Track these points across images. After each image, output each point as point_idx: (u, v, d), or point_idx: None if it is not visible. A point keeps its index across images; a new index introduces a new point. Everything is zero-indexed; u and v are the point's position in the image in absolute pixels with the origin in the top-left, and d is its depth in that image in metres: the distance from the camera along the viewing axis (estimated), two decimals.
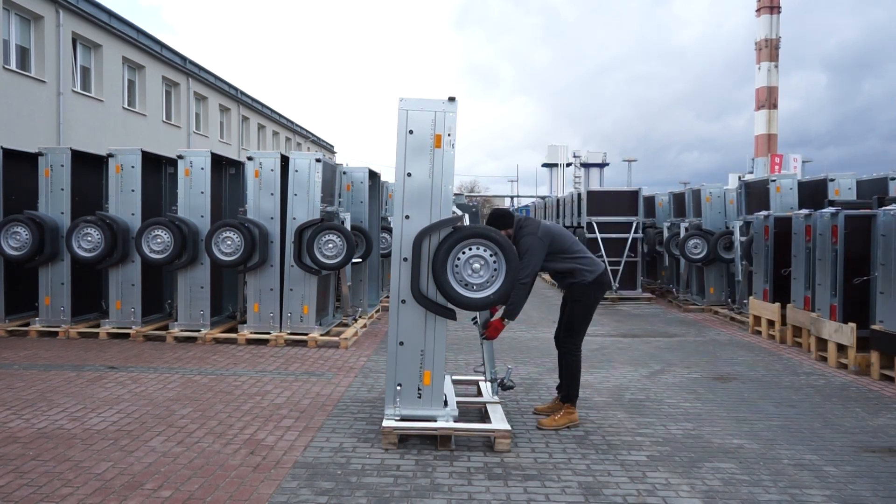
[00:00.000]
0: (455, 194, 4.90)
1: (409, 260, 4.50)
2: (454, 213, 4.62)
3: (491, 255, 4.54)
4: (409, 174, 4.54)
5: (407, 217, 4.54)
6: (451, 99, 4.57)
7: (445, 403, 4.67)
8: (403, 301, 4.54)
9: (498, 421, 4.62)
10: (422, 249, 4.47)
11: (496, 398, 5.12)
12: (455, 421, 4.54)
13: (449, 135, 4.54)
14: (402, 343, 4.57)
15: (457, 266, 4.50)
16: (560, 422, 4.90)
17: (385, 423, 4.48)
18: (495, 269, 4.54)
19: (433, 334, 4.57)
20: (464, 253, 4.51)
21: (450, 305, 4.54)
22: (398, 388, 4.58)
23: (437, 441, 4.44)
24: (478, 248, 4.53)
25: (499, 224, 4.94)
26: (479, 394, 5.45)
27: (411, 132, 4.53)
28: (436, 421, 4.51)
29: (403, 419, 4.54)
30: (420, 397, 4.58)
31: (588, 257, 5.06)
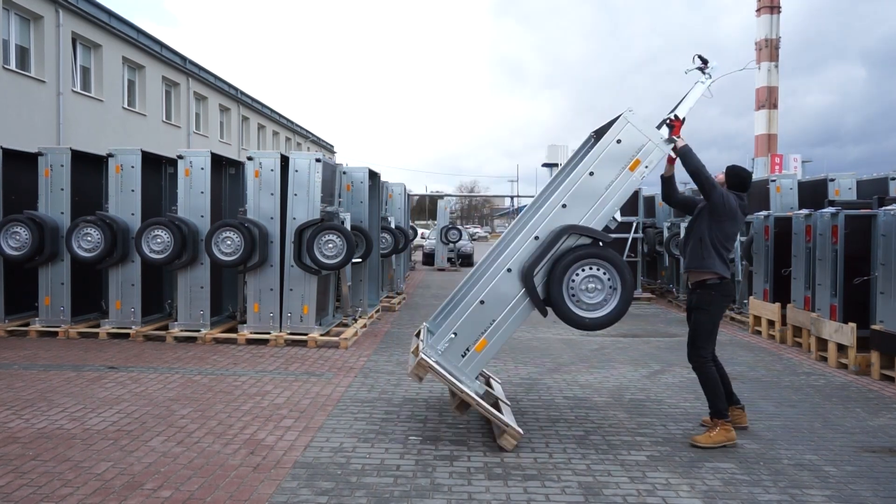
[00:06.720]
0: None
1: (539, 239, 4.55)
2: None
3: (607, 277, 4.58)
4: (591, 173, 4.60)
5: (564, 206, 4.60)
6: (670, 140, 4.64)
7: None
8: (509, 270, 4.58)
9: (510, 418, 4.61)
10: (557, 241, 4.53)
11: (506, 400, 5.11)
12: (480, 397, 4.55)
13: (646, 167, 4.62)
14: (482, 302, 4.57)
15: (572, 284, 4.55)
16: (716, 438, 4.54)
17: (423, 356, 4.46)
18: (612, 288, 4.58)
19: (513, 314, 4.58)
20: (582, 271, 4.55)
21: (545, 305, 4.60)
22: (453, 336, 4.56)
23: (456, 402, 4.55)
24: (595, 269, 4.56)
25: (732, 180, 4.84)
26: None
27: (619, 142, 4.60)
28: (464, 384, 4.49)
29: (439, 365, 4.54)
30: (464, 356, 4.55)
31: (728, 260, 4.82)
